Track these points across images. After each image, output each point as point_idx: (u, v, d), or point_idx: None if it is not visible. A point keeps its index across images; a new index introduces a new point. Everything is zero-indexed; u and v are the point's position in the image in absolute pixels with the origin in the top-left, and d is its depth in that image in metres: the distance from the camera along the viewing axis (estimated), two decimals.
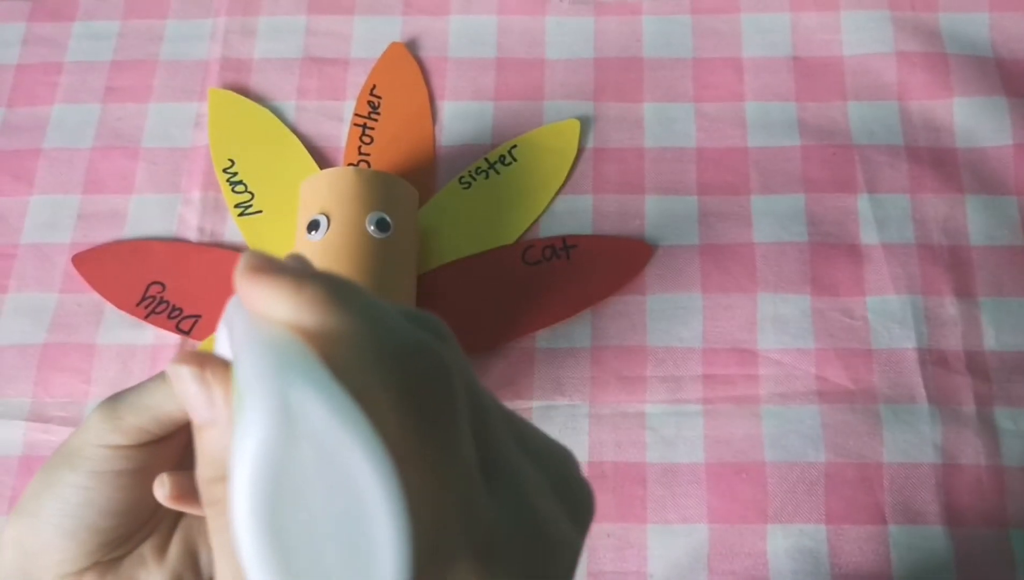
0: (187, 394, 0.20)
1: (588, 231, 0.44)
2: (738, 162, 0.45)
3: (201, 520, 0.31)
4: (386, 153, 0.46)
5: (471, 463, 0.19)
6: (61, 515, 0.27)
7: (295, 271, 0.19)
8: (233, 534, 0.15)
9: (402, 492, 0.16)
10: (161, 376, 0.28)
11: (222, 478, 0.19)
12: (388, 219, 0.39)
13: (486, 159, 0.45)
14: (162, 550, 0.30)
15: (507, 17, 0.49)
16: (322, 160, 0.46)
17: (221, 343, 0.22)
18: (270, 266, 0.19)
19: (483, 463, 0.19)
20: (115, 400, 0.28)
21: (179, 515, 0.31)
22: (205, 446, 0.20)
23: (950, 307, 0.42)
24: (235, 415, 0.17)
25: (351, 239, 0.38)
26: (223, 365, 0.20)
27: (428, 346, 0.19)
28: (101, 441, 0.27)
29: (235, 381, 0.18)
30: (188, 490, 0.28)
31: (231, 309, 0.21)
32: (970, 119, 0.45)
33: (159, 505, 0.30)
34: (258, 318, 0.19)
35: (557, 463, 0.22)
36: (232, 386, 0.19)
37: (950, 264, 0.43)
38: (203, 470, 0.20)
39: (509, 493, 0.19)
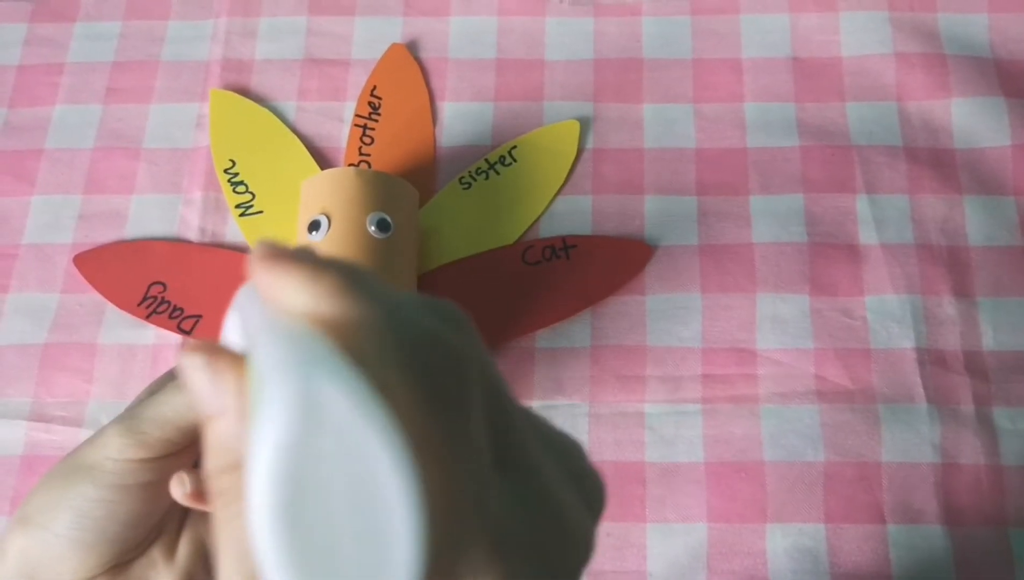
0: (196, 384, 0.20)
1: (588, 231, 0.44)
2: (737, 162, 0.45)
3: (210, 517, 0.31)
4: (386, 154, 0.46)
5: (484, 455, 0.19)
6: (80, 529, 0.27)
7: (312, 260, 0.18)
8: (250, 524, 0.16)
9: (421, 487, 0.16)
10: (177, 384, 0.28)
11: (231, 468, 0.19)
12: (389, 219, 0.39)
13: (486, 160, 0.45)
14: (171, 550, 0.30)
15: (507, 18, 0.49)
16: (323, 161, 0.46)
17: (230, 332, 0.21)
18: (286, 255, 0.19)
19: (503, 453, 0.19)
20: (133, 416, 0.28)
21: (186, 514, 0.31)
22: (214, 436, 0.20)
23: (949, 307, 0.42)
24: (253, 405, 0.17)
25: (352, 239, 0.38)
26: (233, 355, 0.20)
27: (444, 337, 0.19)
28: (124, 455, 0.28)
29: (252, 371, 0.18)
30: (205, 487, 0.28)
31: (242, 298, 0.21)
32: (968, 120, 0.45)
33: (170, 507, 0.30)
34: (274, 308, 0.19)
35: (570, 453, 0.22)
36: (247, 376, 0.19)
37: (949, 264, 0.43)
38: (211, 460, 0.20)
39: (531, 483, 0.20)
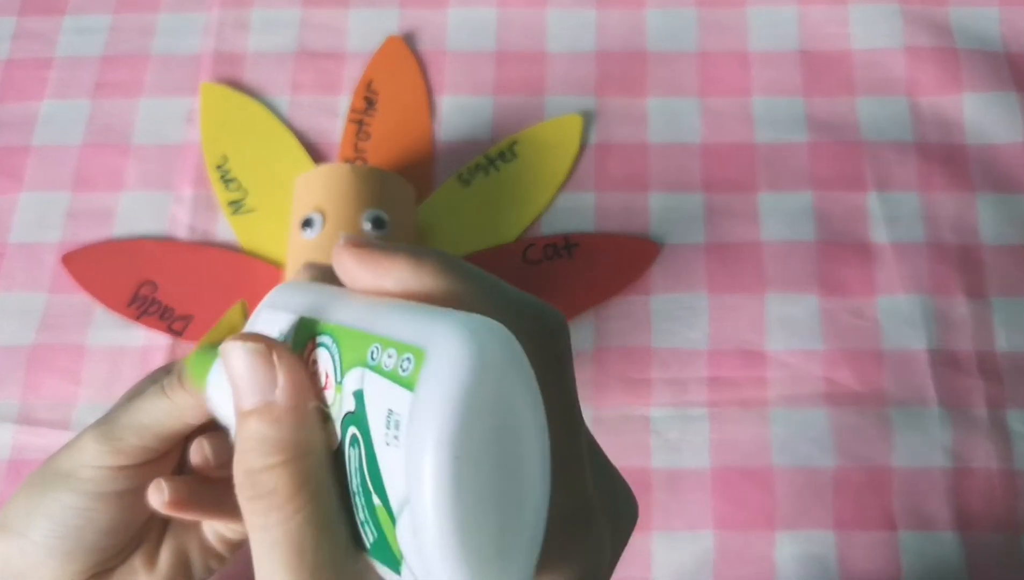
0: (244, 375, 0.19)
1: (591, 229, 0.43)
2: (745, 158, 0.44)
3: (192, 526, 0.30)
4: (383, 149, 0.45)
5: (582, 421, 0.20)
6: (57, 536, 0.27)
7: (404, 248, 0.20)
8: (420, 486, 0.16)
9: (549, 444, 0.17)
10: (156, 391, 0.28)
11: (280, 464, 0.19)
12: (384, 217, 0.39)
13: (486, 155, 0.44)
14: (152, 559, 0.30)
15: (507, 9, 0.48)
16: (317, 156, 0.45)
17: (263, 324, 0.21)
18: (377, 245, 0.20)
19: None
20: (110, 422, 0.28)
21: (167, 522, 0.30)
22: (258, 432, 0.19)
23: (961, 307, 0.41)
24: (412, 373, 0.17)
25: None
26: (287, 347, 0.19)
27: (543, 307, 0.20)
28: (100, 462, 0.27)
29: (384, 344, 0.18)
30: (185, 496, 0.28)
31: (286, 297, 0.21)
32: (981, 115, 0.45)
33: (150, 516, 0.29)
34: (368, 292, 0.19)
35: None
36: (352, 357, 0.18)
37: (961, 263, 0.42)
38: (253, 459, 0.19)
39: (599, 456, 0.21)
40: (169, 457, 0.29)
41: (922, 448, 0.39)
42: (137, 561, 0.29)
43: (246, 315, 0.27)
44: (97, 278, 0.43)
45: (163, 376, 0.29)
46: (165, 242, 0.44)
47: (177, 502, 0.28)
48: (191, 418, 0.28)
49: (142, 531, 0.30)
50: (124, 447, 0.27)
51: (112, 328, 0.42)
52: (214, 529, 0.31)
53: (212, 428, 0.29)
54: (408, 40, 0.48)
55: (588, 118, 0.45)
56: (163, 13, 0.49)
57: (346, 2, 0.48)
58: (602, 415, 0.40)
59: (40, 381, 0.41)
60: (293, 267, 0.40)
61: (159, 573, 0.30)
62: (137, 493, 0.28)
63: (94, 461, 0.27)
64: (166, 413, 0.27)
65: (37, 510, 0.27)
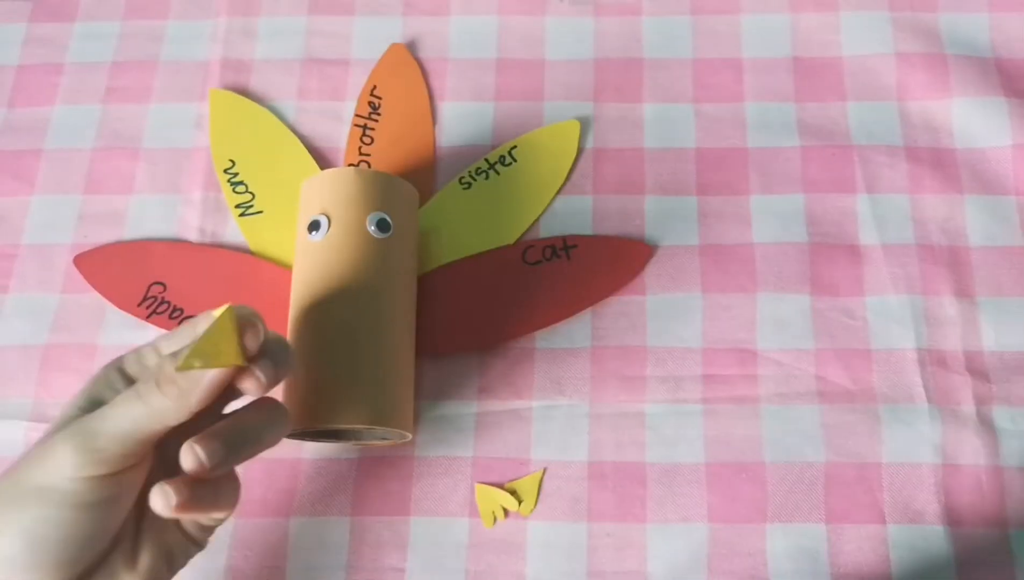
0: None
1: (588, 231, 0.44)
2: (738, 162, 0.45)
3: (168, 519, 0.30)
4: (386, 154, 0.46)
5: None
6: (36, 552, 0.27)
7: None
8: None
9: None
10: (132, 397, 0.27)
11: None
12: (389, 219, 0.39)
13: (486, 159, 0.45)
14: (132, 558, 0.29)
15: (507, 17, 0.49)
16: (322, 160, 0.46)
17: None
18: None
19: None
20: (85, 431, 0.27)
21: (141, 521, 0.30)
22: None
23: (949, 307, 0.42)
24: None
25: (352, 239, 0.38)
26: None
27: None
28: (82, 473, 0.27)
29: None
30: (187, 498, 0.27)
31: None
32: (969, 119, 0.45)
33: (126, 518, 0.29)
34: None
35: None
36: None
37: (949, 264, 0.43)
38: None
39: None
40: (145, 459, 0.29)
41: (911, 444, 0.39)
42: (118, 562, 0.29)
43: (234, 319, 0.28)
44: (108, 279, 0.43)
45: (114, 374, 0.29)
46: (175, 243, 0.44)
47: (183, 504, 0.27)
48: (171, 420, 0.27)
49: (119, 534, 0.29)
50: (107, 456, 0.27)
51: (123, 328, 0.42)
52: (192, 518, 0.30)
53: (190, 429, 0.28)
54: (411, 47, 0.48)
55: (586, 123, 0.46)
56: (172, 20, 0.49)
57: (351, 10, 0.49)
58: (599, 411, 0.41)
59: (53, 380, 0.42)
60: (300, 268, 0.40)
61: (141, 570, 0.29)
62: (116, 500, 0.28)
63: (76, 472, 0.26)
64: (146, 418, 0.27)
65: (13, 526, 0.26)
